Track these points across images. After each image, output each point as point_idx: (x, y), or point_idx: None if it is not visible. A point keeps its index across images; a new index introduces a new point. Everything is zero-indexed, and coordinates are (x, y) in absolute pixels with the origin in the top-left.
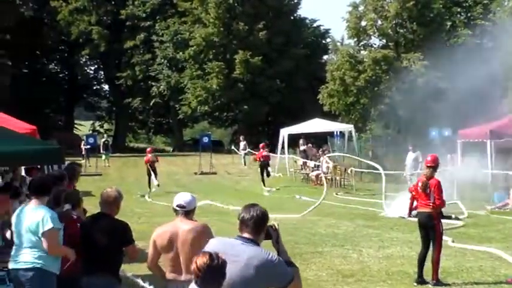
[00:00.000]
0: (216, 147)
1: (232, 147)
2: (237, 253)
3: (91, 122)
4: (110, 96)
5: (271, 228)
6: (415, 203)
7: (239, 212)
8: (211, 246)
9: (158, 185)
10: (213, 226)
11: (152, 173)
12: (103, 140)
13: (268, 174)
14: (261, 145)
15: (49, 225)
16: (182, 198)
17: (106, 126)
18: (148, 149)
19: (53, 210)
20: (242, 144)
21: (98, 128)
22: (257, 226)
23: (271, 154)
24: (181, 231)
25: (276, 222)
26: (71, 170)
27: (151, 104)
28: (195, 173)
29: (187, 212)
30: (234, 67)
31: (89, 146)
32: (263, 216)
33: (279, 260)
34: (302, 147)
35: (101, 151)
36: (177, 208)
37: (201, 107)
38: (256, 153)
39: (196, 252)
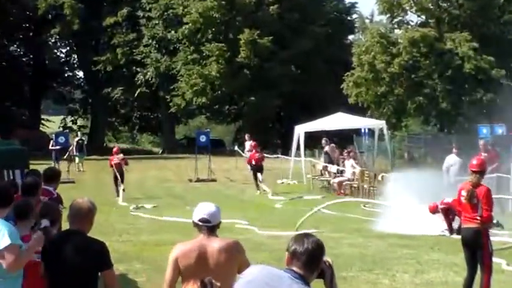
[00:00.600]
0: (216, 148)
1: (236, 148)
2: (281, 287)
3: (62, 117)
4: (85, 85)
5: (325, 265)
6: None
7: (289, 243)
8: (253, 272)
9: (124, 189)
10: None
11: (119, 177)
12: (76, 139)
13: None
14: (252, 144)
15: (6, 241)
16: (204, 210)
17: (80, 122)
18: (114, 149)
19: (14, 225)
20: (248, 144)
21: (70, 124)
22: (311, 262)
23: (284, 157)
24: (211, 251)
25: (330, 258)
26: (50, 171)
27: (135, 94)
28: (190, 180)
29: (213, 227)
30: (239, 49)
31: (59, 147)
32: (319, 250)
33: None
34: (326, 148)
35: (74, 152)
36: (200, 223)
37: (197, 98)
38: (267, 155)
39: (230, 275)
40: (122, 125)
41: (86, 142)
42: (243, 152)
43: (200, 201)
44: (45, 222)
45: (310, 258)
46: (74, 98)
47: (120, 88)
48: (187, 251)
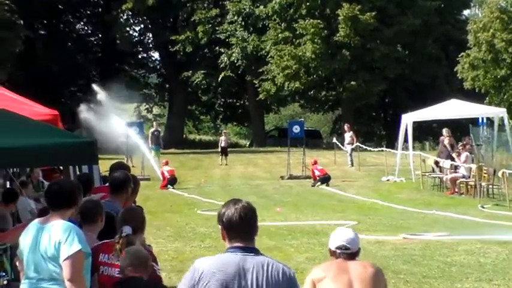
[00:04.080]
0: (312, 140)
1: (334, 140)
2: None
3: (135, 104)
4: (161, 68)
5: None
6: None
7: (218, 214)
8: (203, 265)
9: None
10: (305, 252)
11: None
12: (152, 129)
13: None
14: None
15: (75, 246)
16: (343, 237)
17: (156, 110)
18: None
19: (80, 228)
20: (348, 135)
21: (144, 113)
22: (248, 228)
23: (390, 150)
24: (359, 273)
25: None
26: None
27: (219, 79)
28: (282, 177)
29: (352, 255)
30: (337, 27)
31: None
32: (250, 213)
33: None
34: (446, 141)
35: (149, 145)
36: (338, 251)
37: (289, 83)
38: (369, 148)
39: None
40: (203, 114)
41: (162, 133)
42: (342, 145)
43: (292, 201)
44: (127, 230)
45: (246, 226)
46: (149, 83)
47: (202, 72)
48: (337, 272)
